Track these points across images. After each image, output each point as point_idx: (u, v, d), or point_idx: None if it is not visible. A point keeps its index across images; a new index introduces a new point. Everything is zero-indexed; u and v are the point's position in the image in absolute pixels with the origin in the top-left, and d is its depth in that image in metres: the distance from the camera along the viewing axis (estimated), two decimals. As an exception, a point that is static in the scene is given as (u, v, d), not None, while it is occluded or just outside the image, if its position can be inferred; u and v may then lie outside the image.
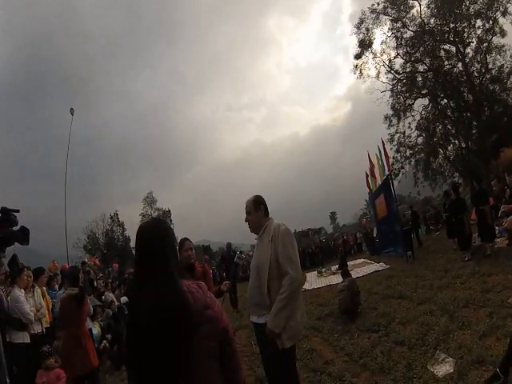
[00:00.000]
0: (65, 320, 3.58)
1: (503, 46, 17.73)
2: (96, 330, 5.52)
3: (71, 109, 20.38)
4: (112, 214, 36.91)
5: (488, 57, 18.01)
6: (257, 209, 2.51)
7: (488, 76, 18.15)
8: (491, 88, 18.13)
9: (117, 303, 7.16)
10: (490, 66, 18.10)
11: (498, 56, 17.92)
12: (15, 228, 2.65)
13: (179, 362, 1.10)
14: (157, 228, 1.29)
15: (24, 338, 4.09)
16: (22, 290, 4.36)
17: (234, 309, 8.16)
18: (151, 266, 1.19)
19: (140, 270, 1.23)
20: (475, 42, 18.29)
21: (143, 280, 1.19)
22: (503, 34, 17.57)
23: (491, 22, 17.48)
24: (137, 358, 1.14)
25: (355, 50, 20.85)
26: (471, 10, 17.79)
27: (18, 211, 2.66)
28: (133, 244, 34.96)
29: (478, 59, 18.38)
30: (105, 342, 5.63)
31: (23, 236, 2.53)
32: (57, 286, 6.06)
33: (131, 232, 37.07)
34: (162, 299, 1.12)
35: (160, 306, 1.11)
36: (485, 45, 17.95)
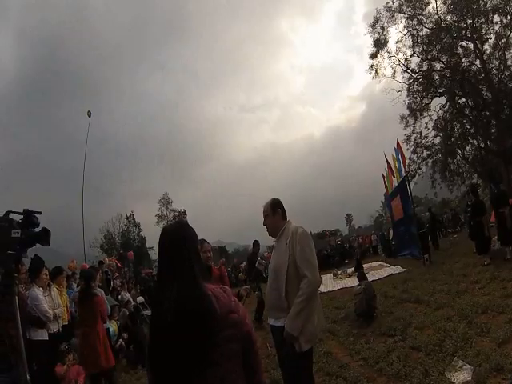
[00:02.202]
0: (79, 319, 3.70)
1: (522, 41, 17.20)
2: (113, 328, 5.64)
3: (88, 111, 20.74)
4: (128, 215, 37.64)
5: (507, 53, 17.53)
6: (274, 212, 2.52)
7: (507, 73, 17.65)
8: (510, 85, 17.61)
9: (133, 303, 7.28)
10: (509, 62, 17.62)
11: (517, 52, 17.39)
12: (37, 229, 2.75)
13: (202, 365, 1.11)
14: (181, 232, 1.29)
15: (43, 335, 4.19)
16: (41, 288, 4.48)
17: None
18: (176, 270, 1.20)
19: (164, 273, 1.24)
20: (493, 38, 17.80)
21: (166, 283, 1.20)
22: (522, 29, 17.04)
23: (509, 16, 17.02)
24: (158, 360, 1.15)
25: (370, 49, 20.63)
26: (488, 5, 17.30)
27: (39, 213, 2.75)
28: (149, 244, 35.54)
29: (497, 56, 17.90)
30: (121, 340, 5.73)
31: (45, 237, 2.61)
32: (74, 285, 6.20)
33: (147, 232, 37.74)
34: (185, 302, 1.13)
35: (183, 308, 1.12)
36: (503, 41, 17.47)
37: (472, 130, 19.24)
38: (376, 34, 20.10)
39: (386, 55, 20.41)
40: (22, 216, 2.45)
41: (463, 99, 19.12)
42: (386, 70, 20.70)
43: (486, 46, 18.19)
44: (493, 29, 17.75)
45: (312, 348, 2.38)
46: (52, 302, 4.57)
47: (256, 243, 7.60)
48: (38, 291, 4.36)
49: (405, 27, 19.53)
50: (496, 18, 17.48)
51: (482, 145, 18.95)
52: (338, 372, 3.63)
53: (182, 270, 1.19)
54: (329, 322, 5.59)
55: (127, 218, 37.34)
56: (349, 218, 71.76)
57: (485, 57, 18.04)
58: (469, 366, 2.97)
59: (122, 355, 5.65)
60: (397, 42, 20.14)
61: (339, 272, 12.26)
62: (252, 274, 5.01)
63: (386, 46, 20.26)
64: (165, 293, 1.18)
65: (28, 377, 1.94)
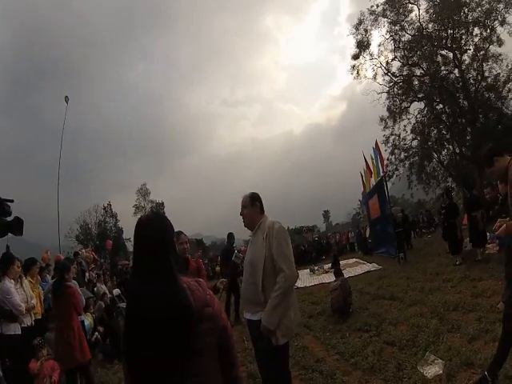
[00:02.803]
0: (54, 312, 3.59)
1: (500, 54, 17.83)
2: (88, 321, 5.48)
3: (66, 97, 19.88)
4: (105, 205, 36.76)
5: (484, 65, 18.13)
6: (253, 204, 2.54)
7: (484, 84, 18.30)
8: (486, 96, 18.29)
9: (109, 295, 7.11)
10: (486, 74, 18.24)
11: (495, 64, 18.04)
12: (9, 218, 2.59)
13: (178, 359, 1.11)
14: (158, 223, 1.26)
15: (15, 329, 4.02)
16: (12, 280, 4.29)
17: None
18: (152, 263, 1.17)
19: (140, 266, 1.20)
20: (472, 50, 18.39)
21: (142, 275, 1.18)
22: (500, 43, 17.66)
23: (489, 30, 17.58)
24: (135, 355, 1.13)
25: (353, 50, 20.90)
26: (469, 17, 17.86)
27: (12, 201, 2.60)
28: (126, 235, 34.85)
29: (475, 67, 18.50)
30: (97, 334, 5.59)
31: (17, 226, 2.49)
32: (49, 277, 5.98)
33: (124, 223, 37.04)
34: (163, 298, 1.11)
35: (161, 304, 1.10)
36: (482, 53, 18.05)
37: (448, 136, 19.88)
38: (359, 36, 20.38)
39: (368, 57, 20.76)
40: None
41: (441, 105, 19.71)
42: (368, 72, 21.11)
43: (465, 57, 18.77)
44: (472, 40, 18.32)
45: (288, 342, 2.41)
46: (24, 294, 4.40)
47: (231, 235, 7.47)
48: (10, 284, 4.16)
49: (387, 31, 19.92)
50: (476, 30, 18.05)
51: (458, 150, 19.61)
52: (314, 366, 3.69)
53: (157, 262, 1.17)
54: (305, 316, 5.67)
55: (104, 209, 36.49)
56: (326, 214, 72.89)
57: (463, 67, 18.61)
58: (440, 361, 3.08)
59: (97, 349, 5.51)
60: (379, 45, 20.55)
61: (316, 268, 12.42)
62: (229, 268, 4.97)
63: (368, 48, 20.59)
64: (140, 285, 1.16)
65: (0, 373, 1.86)
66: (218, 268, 18.91)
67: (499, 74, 18.00)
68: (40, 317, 4.73)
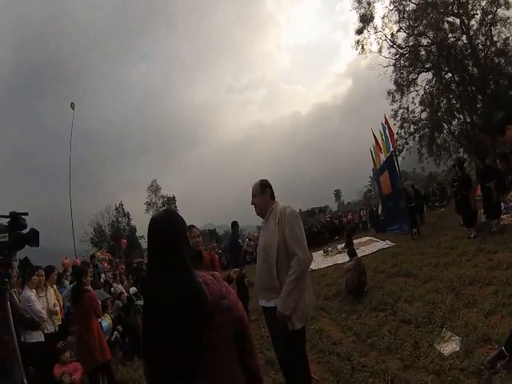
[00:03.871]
0: (74, 317, 3.71)
1: (508, 18, 17.18)
2: (106, 322, 5.60)
3: (72, 103, 19.93)
4: (117, 205, 37.28)
5: (493, 29, 17.55)
6: (263, 191, 2.53)
7: (493, 49, 17.70)
8: (496, 61, 17.73)
9: (126, 294, 7.25)
10: (495, 38, 17.66)
11: (504, 28, 17.47)
12: (24, 231, 2.68)
13: (195, 351, 1.13)
14: (170, 220, 1.28)
15: (38, 337, 4.15)
16: (33, 289, 4.43)
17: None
18: (166, 259, 1.20)
19: (154, 263, 1.24)
20: (480, 14, 17.75)
21: (158, 273, 1.21)
22: (508, 5, 16.99)
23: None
24: (153, 350, 1.17)
25: (356, 25, 20.39)
26: (475, -20, 17.14)
27: (26, 214, 2.68)
28: (139, 233, 35.27)
29: (483, 32, 17.88)
30: (116, 333, 5.75)
31: (33, 238, 2.56)
32: (67, 283, 6.15)
33: (136, 221, 37.53)
34: (179, 292, 1.14)
35: (176, 299, 1.13)
36: (489, 17, 17.42)
37: (458, 105, 19.36)
38: (362, 10, 19.87)
39: (372, 31, 20.28)
40: (9, 219, 2.39)
41: (449, 74, 19.15)
42: (373, 46, 20.66)
43: (473, 22, 18.15)
44: (479, 4, 17.68)
45: (304, 326, 2.42)
46: (47, 302, 4.56)
47: (235, 224, 7.13)
48: (31, 292, 4.33)
49: (391, 2, 19.39)
50: (483, -7, 17.32)
51: (468, 119, 19.13)
52: (331, 348, 3.71)
53: (171, 257, 1.19)
54: (320, 299, 5.69)
55: (116, 209, 37.03)
56: (338, 194, 72.31)
57: (471, 32, 18.00)
58: (457, 337, 3.06)
59: (117, 348, 5.66)
60: (383, 18, 19.99)
61: (329, 249, 12.39)
62: (241, 256, 4.98)
63: (372, 22, 20.08)
64: (155, 281, 1.20)
65: (25, 381, 1.94)
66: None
67: (508, 37, 17.34)
68: (60, 322, 4.86)
